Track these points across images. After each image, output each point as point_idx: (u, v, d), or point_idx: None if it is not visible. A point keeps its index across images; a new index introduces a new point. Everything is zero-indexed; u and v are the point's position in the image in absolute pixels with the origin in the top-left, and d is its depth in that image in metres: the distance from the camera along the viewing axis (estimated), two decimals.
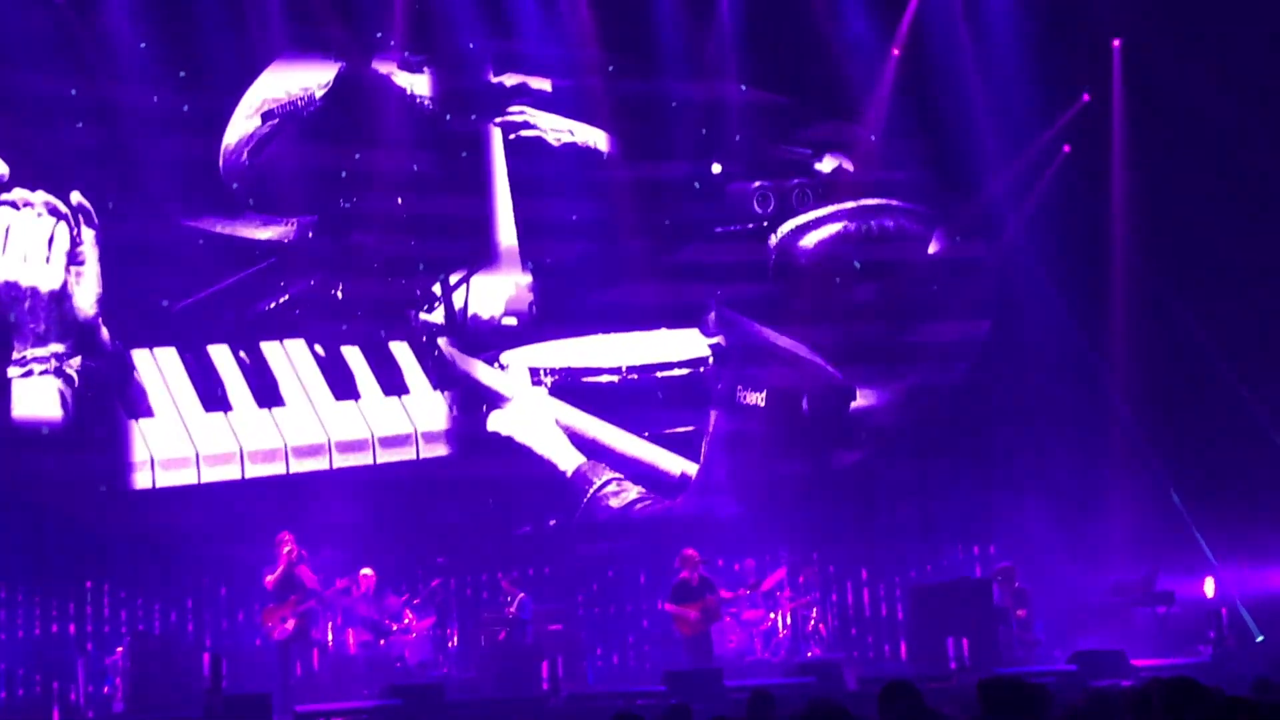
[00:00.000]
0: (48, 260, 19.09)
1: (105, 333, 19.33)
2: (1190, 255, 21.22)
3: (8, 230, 18.97)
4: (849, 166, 22.55)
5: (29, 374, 18.97)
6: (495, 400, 21.02)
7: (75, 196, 19.18)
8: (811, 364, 22.02)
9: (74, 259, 19.21)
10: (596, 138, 21.68)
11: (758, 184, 22.17)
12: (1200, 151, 20.64)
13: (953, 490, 21.76)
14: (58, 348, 19.05)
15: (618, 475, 21.20)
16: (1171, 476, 21.26)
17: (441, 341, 20.93)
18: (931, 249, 22.67)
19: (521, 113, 21.48)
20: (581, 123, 21.60)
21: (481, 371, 20.97)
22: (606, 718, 7.91)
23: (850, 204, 22.47)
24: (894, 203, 22.59)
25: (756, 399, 21.85)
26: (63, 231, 19.13)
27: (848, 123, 22.66)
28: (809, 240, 22.40)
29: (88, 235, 19.22)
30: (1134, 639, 18.87)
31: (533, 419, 21.03)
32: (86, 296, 19.23)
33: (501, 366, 21.04)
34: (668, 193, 22.06)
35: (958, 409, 22.47)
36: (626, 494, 21.19)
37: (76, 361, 19.14)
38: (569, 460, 21.09)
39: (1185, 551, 20.87)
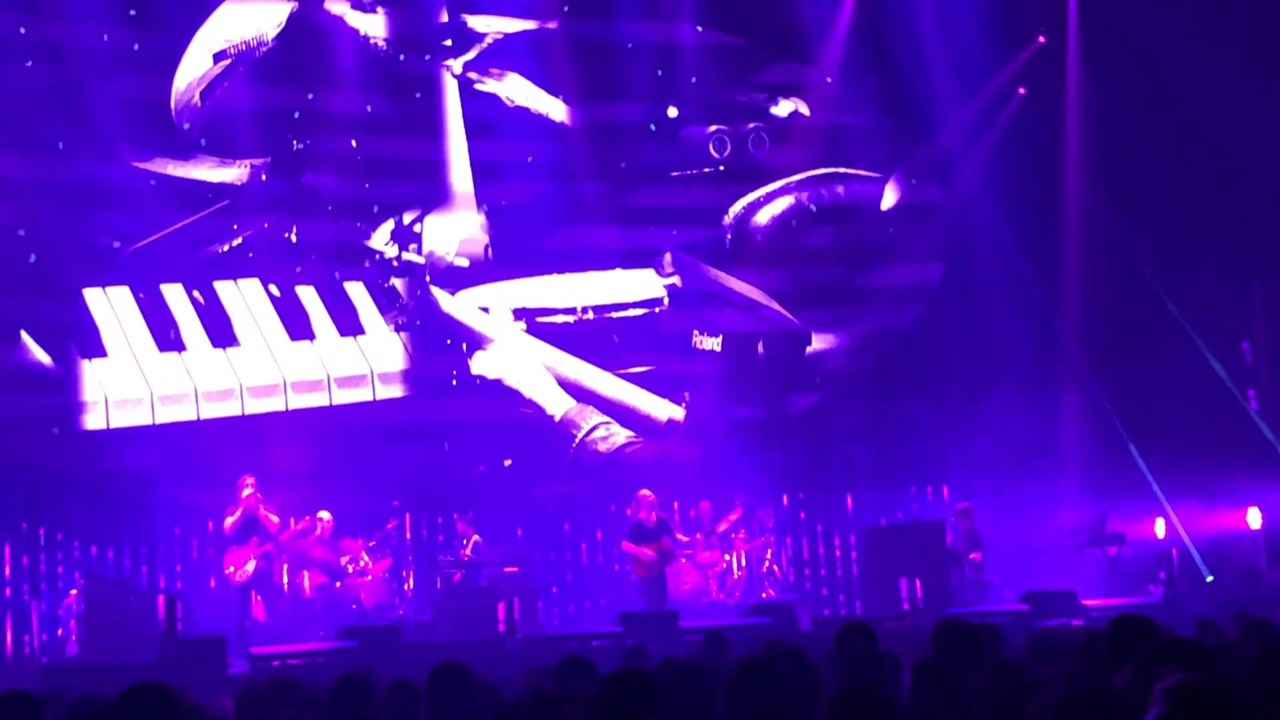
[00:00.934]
0: None
1: None
2: (1143, 198, 21.33)
3: None
4: (805, 110, 22.52)
5: None
6: (476, 341, 20.93)
7: None
8: (768, 309, 22.05)
9: None
10: (552, 84, 21.53)
11: (714, 128, 22.12)
12: (1154, 94, 20.73)
13: (907, 433, 21.89)
14: None
15: (606, 419, 21.18)
16: (1121, 417, 21.41)
17: (397, 283, 20.85)
18: (885, 204, 22.68)
19: (476, 60, 21.32)
20: (537, 65, 21.45)
21: (465, 312, 20.89)
22: (562, 659, 7.93)
23: (800, 175, 22.44)
24: (843, 170, 22.58)
25: (712, 344, 21.89)
26: None
27: (803, 64, 22.62)
28: (762, 217, 22.40)
29: None
30: (1085, 579, 19.08)
31: (520, 361, 20.97)
32: None
33: (484, 309, 20.96)
34: (623, 136, 21.97)
35: (912, 352, 22.56)
36: (615, 438, 21.18)
37: None
38: (557, 404, 21.05)
39: (1137, 493, 21.06)
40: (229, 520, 17.92)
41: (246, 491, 17.91)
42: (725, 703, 6.15)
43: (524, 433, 21.10)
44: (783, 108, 22.42)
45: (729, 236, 22.22)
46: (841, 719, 5.17)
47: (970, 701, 6.31)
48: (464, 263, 21.08)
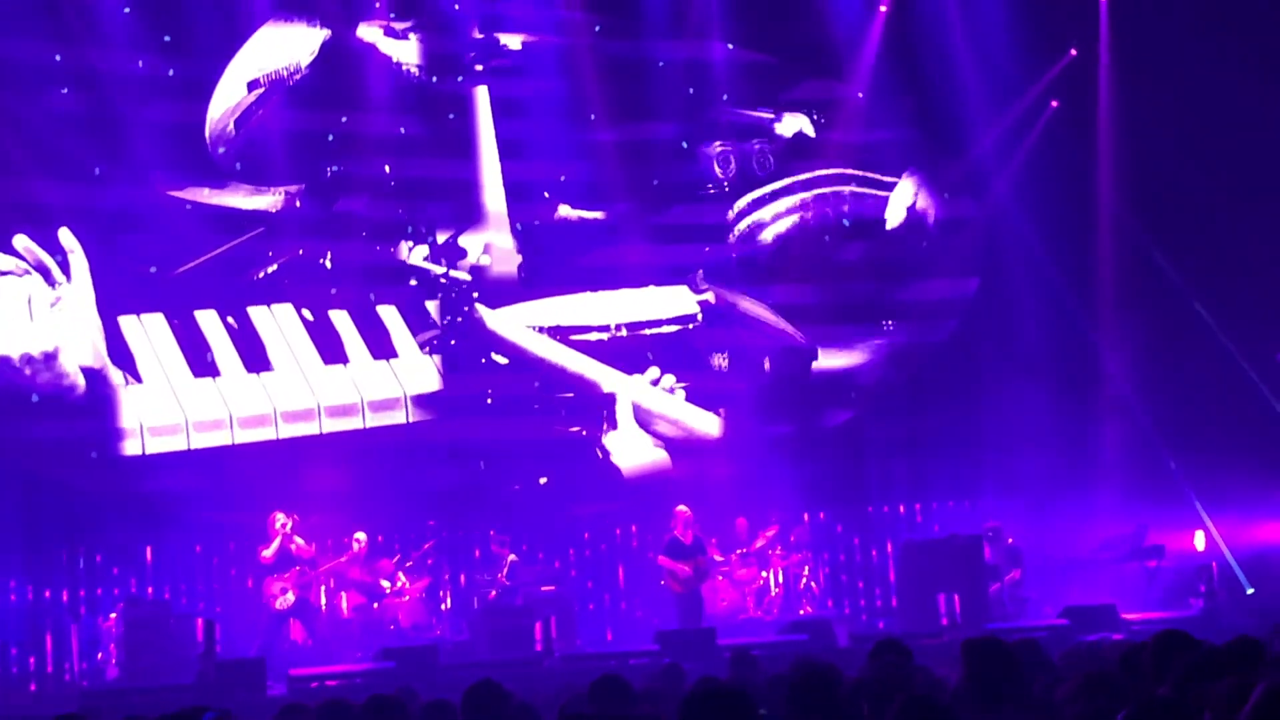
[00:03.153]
0: (31, 319, 18.99)
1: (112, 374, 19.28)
2: (1176, 210, 21.23)
3: None
4: (810, 131, 22.50)
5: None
6: (521, 358, 21.00)
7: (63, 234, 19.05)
8: (773, 326, 22.03)
9: (59, 308, 19.11)
10: (583, 102, 21.57)
11: (719, 146, 22.15)
12: (1186, 106, 20.63)
13: (942, 447, 21.80)
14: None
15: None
16: (1158, 429, 21.30)
17: (431, 306, 20.90)
18: (891, 216, 22.65)
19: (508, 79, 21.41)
20: (568, 84, 21.50)
21: (511, 329, 20.95)
22: (595, 680, 7.94)
23: (802, 194, 22.41)
24: (846, 190, 22.53)
25: (720, 361, 21.92)
26: (39, 286, 19.00)
27: (835, 81, 22.63)
28: (767, 235, 22.40)
29: (76, 268, 19.10)
30: (1125, 593, 18.96)
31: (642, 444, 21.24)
32: (83, 344, 19.13)
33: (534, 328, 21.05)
34: (655, 154, 22.01)
35: (947, 366, 22.50)
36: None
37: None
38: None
39: (1175, 505, 20.94)
40: (266, 553, 18.03)
41: (278, 524, 18.01)
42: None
43: (560, 450, 21.13)
44: (787, 126, 22.41)
45: (734, 255, 22.19)
46: None
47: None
48: (501, 280, 21.13)
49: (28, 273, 18.86)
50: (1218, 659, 6.15)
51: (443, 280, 20.84)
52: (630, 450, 21.15)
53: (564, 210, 21.52)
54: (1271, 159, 20.23)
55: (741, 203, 22.24)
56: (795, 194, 22.46)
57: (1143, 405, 21.55)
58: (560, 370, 21.14)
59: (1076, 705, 6.19)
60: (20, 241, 18.77)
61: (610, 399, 21.17)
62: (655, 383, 21.41)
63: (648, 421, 21.32)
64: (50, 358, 18.91)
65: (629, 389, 21.22)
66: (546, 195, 21.50)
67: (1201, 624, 15.88)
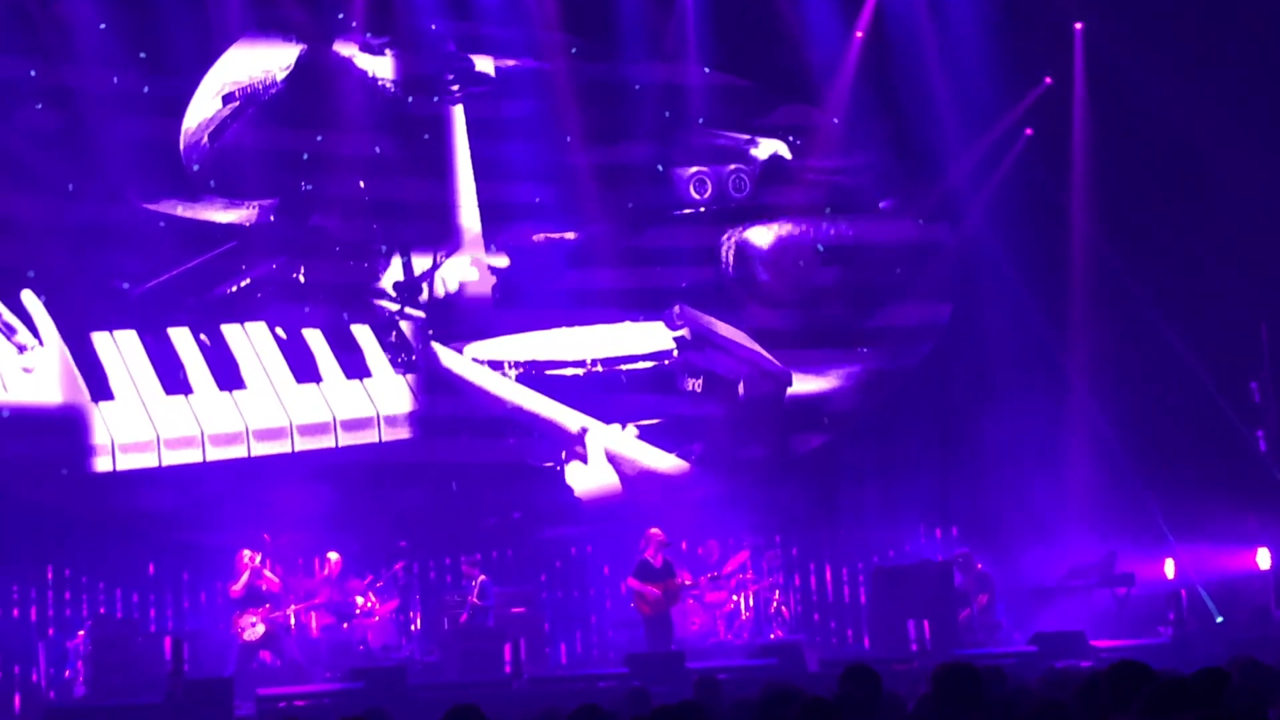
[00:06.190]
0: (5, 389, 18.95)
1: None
2: (1149, 238, 21.33)
3: None
4: (786, 154, 22.54)
5: None
6: (478, 399, 20.97)
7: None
8: (748, 350, 22.03)
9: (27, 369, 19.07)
10: (559, 125, 21.58)
11: (694, 169, 22.18)
12: (1160, 135, 20.76)
13: (914, 473, 21.80)
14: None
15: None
16: (1130, 457, 21.35)
17: (405, 326, 20.87)
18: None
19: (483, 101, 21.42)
20: (544, 106, 21.51)
21: (465, 367, 20.93)
22: (569, 700, 7.92)
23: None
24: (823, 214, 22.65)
25: (694, 384, 21.91)
26: (9, 353, 18.99)
27: (810, 106, 22.67)
28: (759, 243, 22.44)
29: (45, 331, 19.08)
30: (1094, 621, 18.99)
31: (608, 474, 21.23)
32: (50, 388, 19.09)
33: (477, 360, 21.00)
34: (630, 177, 22.03)
35: (919, 392, 22.54)
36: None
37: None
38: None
39: (1145, 533, 20.99)
40: (234, 588, 17.93)
41: (245, 559, 17.92)
42: None
43: (532, 475, 21.09)
44: (763, 149, 22.46)
45: (729, 274, 22.23)
46: None
47: None
48: (475, 302, 21.10)
49: None
50: (1184, 690, 6.16)
51: (397, 318, 20.82)
52: (590, 478, 21.13)
53: (537, 235, 21.52)
54: (1245, 188, 20.33)
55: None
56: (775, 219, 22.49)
57: (1114, 432, 21.61)
58: (513, 408, 21.11)
59: None
60: None
61: (580, 436, 21.14)
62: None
63: (615, 465, 21.32)
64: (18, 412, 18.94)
65: (601, 432, 21.21)
66: (521, 217, 21.47)
67: (1171, 652, 15.92)
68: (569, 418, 21.14)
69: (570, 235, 21.61)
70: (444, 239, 21.20)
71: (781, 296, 22.37)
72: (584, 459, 21.04)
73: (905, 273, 22.78)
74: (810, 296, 22.52)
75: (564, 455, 21.10)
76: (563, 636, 20.64)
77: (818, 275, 22.66)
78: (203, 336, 20.00)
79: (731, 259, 22.36)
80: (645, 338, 21.66)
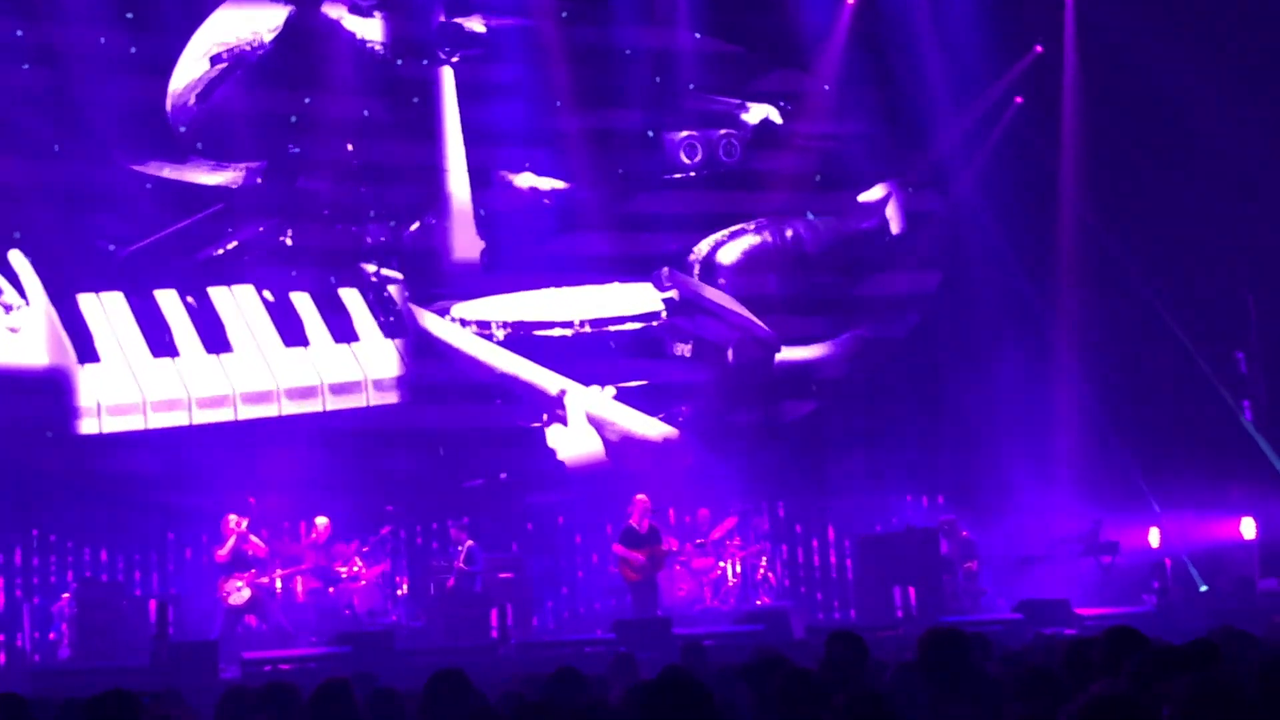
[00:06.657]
0: None
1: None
2: (1138, 208, 21.33)
3: None
4: (777, 119, 22.47)
5: None
6: (461, 362, 20.92)
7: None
8: (738, 315, 21.99)
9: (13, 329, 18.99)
10: (549, 89, 21.47)
11: (685, 134, 22.11)
12: (1150, 104, 20.71)
13: (902, 441, 21.82)
14: None
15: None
16: (1116, 427, 21.39)
17: (393, 289, 20.82)
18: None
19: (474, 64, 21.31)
20: (534, 70, 21.41)
21: (442, 328, 20.86)
22: (555, 665, 7.93)
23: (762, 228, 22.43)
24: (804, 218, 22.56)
25: (683, 349, 21.88)
26: None
27: (801, 72, 22.61)
28: (727, 254, 22.33)
29: (32, 290, 18.99)
30: (1079, 589, 19.05)
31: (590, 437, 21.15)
32: (36, 350, 19.01)
33: (453, 319, 20.92)
34: (621, 142, 21.95)
35: (908, 361, 22.54)
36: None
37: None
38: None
39: (1130, 502, 21.04)
40: (220, 553, 17.88)
41: (232, 524, 17.87)
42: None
43: (519, 439, 21.07)
44: (754, 114, 22.38)
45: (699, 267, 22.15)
46: None
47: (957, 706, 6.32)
48: (463, 266, 21.03)
49: None
50: (1176, 657, 6.17)
51: (373, 279, 20.75)
52: (573, 442, 21.11)
53: (529, 179, 21.37)
54: (1234, 157, 20.31)
55: (702, 246, 22.14)
56: (756, 228, 22.41)
57: (1100, 402, 21.64)
58: (490, 369, 21.05)
59: (1019, 702, 6.22)
60: None
61: (559, 399, 21.09)
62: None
63: (599, 429, 21.29)
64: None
65: (580, 394, 21.16)
66: (510, 177, 21.39)
67: (1155, 620, 15.96)
68: (548, 379, 21.09)
69: (558, 183, 21.43)
70: (432, 202, 21.13)
71: (769, 264, 22.34)
72: (564, 421, 21.01)
73: (894, 241, 22.74)
74: (799, 265, 22.46)
75: (545, 418, 21.05)
76: (550, 600, 20.63)
77: (807, 243, 22.59)
78: (189, 299, 19.93)
79: (714, 255, 22.23)
80: (634, 299, 21.62)
